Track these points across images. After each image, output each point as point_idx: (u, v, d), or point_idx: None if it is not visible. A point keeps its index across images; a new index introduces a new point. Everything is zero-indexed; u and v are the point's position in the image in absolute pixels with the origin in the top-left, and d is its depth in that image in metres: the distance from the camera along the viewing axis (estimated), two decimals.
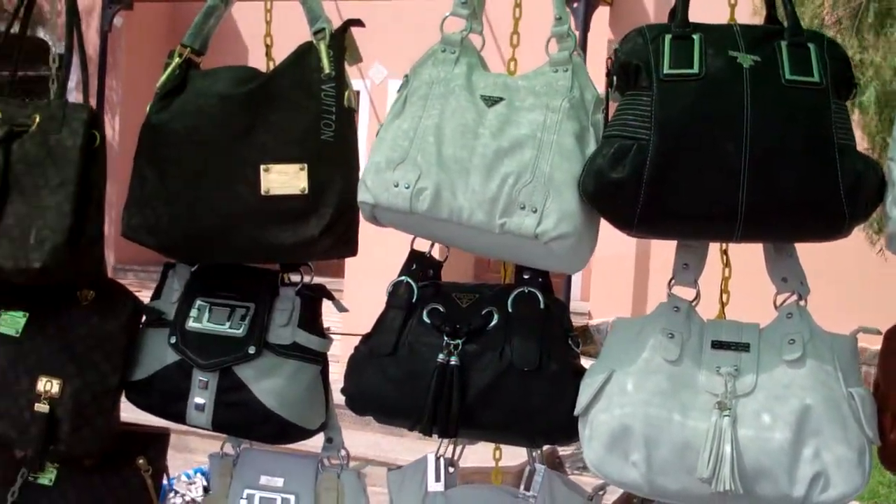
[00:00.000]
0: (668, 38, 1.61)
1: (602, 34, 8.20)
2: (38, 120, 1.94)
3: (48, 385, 1.96)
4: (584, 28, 7.71)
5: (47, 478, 2.12)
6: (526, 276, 1.80)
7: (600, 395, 1.69)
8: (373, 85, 10.06)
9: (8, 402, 1.99)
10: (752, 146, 1.54)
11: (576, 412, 1.72)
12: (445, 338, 1.76)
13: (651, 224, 1.61)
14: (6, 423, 2.00)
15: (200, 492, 4.56)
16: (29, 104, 2.00)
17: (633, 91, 1.61)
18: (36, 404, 1.96)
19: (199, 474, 4.75)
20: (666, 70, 1.59)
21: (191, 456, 5.04)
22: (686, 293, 1.74)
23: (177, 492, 4.41)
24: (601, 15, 8.41)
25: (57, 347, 1.99)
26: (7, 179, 1.92)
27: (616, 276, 8.47)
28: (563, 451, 6.45)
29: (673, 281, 1.76)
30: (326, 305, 2.03)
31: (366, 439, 6.08)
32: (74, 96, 1.97)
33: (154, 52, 11.78)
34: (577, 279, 8.58)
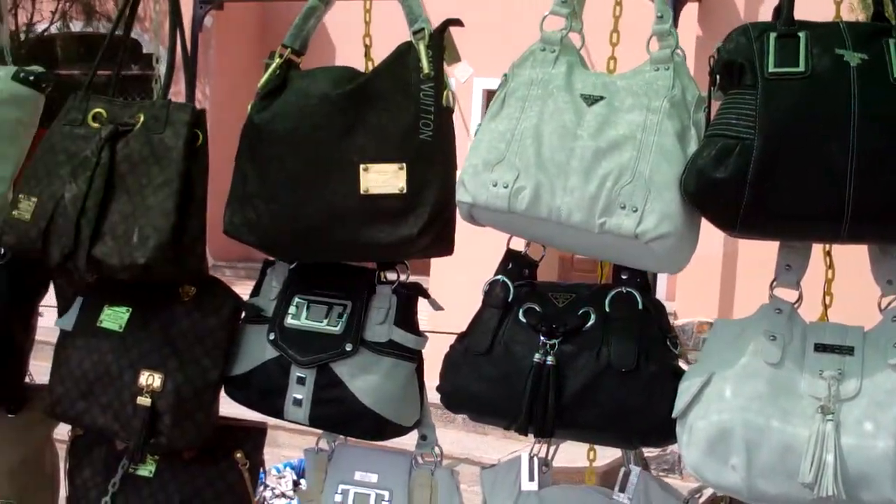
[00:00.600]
0: (772, 36, 1.59)
1: (690, 30, 8.11)
2: (142, 119, 1.99)
3: (150, 379, 2.00)
4: (673, 25, 7.61)
5: (147, 469, 2.16)
6: (624, 277, 1.78)
7: (699, 399, 1.67)
8: (458, 83, 10.06)
9: (111, 396, 2.04)
10: (859, 145, 1.51)
11: (673, 415, 1.70)
12: (542, 337, 1.76)
13: (754, 225, 1.58)
14: (109, 416, 2.04)
15: (290, 486, 4.62)
16: (133, 104, 2.04)
17: (737, 90, 1.59)
18: (138, 398, 1.99)
19: (288, 468, 4.81)
20: (771, 68, 1.56)
21: (279, 450, 5.11)
22: (788, 295, 1.72)
23: (267, 485, 4.46)
24: (689, 11, 8.31)
25: (159, 342, 2.03)
26: (112, 178, 1.97)
27: (703, 276, 8.34)
28: (649, 452, 6.40)
29: (775, 283, 1.73)
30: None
31: (449, 437, 6.11)
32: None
33: (244, 51, 11.96)
34: (662, 278, 8.48)
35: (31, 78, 2.19)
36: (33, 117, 2.22)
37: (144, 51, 8.35)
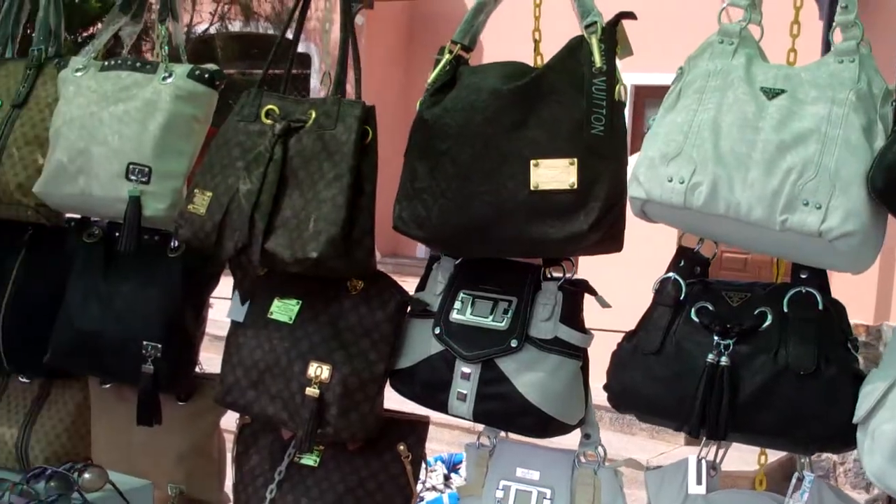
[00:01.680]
0: None
1: None
2: (314, 116, 2.03)
3: (318, 370, 2.04)
4: (830, 17, 7.36)
5: (311, 459, 2.20)
6: (804, 276, 1.72)
7: (883, 403, 1.60)
8: None
9: (280, 386, 2.08)
10: None
11: (854, 420, 1.63)
12: (715, 337, 1.72)
13: None
14: (278, 405, 2.09)
15: (441, 479, 4.65)
16: (305, 101, 2.08)
17: None
18: (307, 388, 2.03)
19: (439, 462, 4.85)
20: None
21: (428, 444, 5.15)
22: None
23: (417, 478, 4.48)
24: None
25: (327, 335, 2.06)
26: (285, 173, 2.02)
27: (857, 276, 8.03)
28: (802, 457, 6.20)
29: None
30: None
31: None
32: (319, 91, 2.04)
33: (393, 49, 12.15)
34: None
35: (206, 75, 2.26)
36: (207, 114, 2.29)
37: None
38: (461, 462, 4.99)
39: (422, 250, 12.83)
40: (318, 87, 11.33)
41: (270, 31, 12.26)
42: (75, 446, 2.64)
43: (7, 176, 2.38)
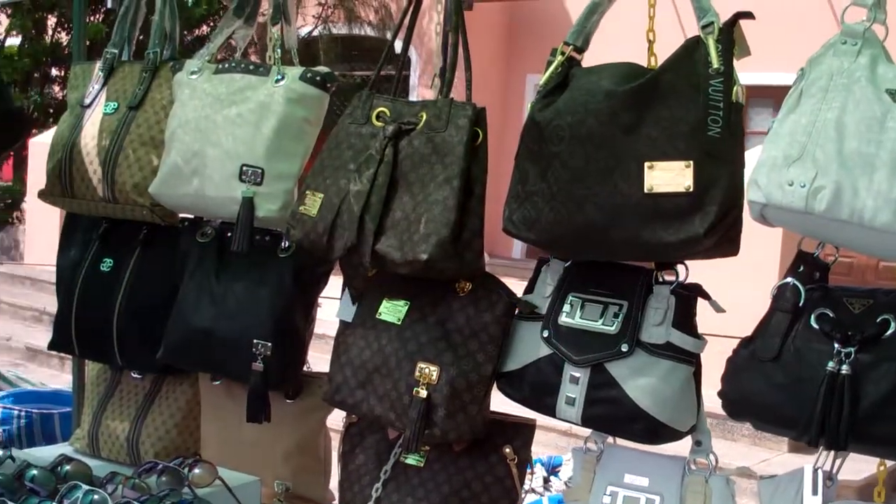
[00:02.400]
0: None
1: None
2: (424, 118, 2.03)
3: (426, 371, 2.04)
4: None
5: (417, 459, 2.21)
6: None
7: None
8: None
9: (388, 386, 2.09)
10: None
11: None
12: (836, 345, 1.68)
13: None
14: (386, 405, 2.10)
15: (540, 482, 4.64)
16: (415, 103, 2.09)
17: None
18: (415, 389, 2.04)
19: (538, 464, 4.84)
20: None
21: None
22: None
23: None
24: None
25: (435, 336, 2.07)
26: (395, 175, 2.03)
27: None
28: None
29: None
30: None
31: None
32: (418, 93, 2.04)
33: (492, 50, 12.16)
34: None
35: (318, 78, 2.28)
36: (319, 116, 2.31)
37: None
38: (560, 465, 4.97)
39: (517, 251, 12.80)
40: (417, 87, 11.42)
41: (372, 34, 12.41)
42: (185, 441, 2.70)
43: (123, 177, 2.45)
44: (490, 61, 11.38)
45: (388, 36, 11.35)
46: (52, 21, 14.31)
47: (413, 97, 11.17)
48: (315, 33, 12.55)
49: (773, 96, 9.76)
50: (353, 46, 12.81)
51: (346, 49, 12.70)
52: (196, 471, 2.18)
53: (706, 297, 1.95)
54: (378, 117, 2.11)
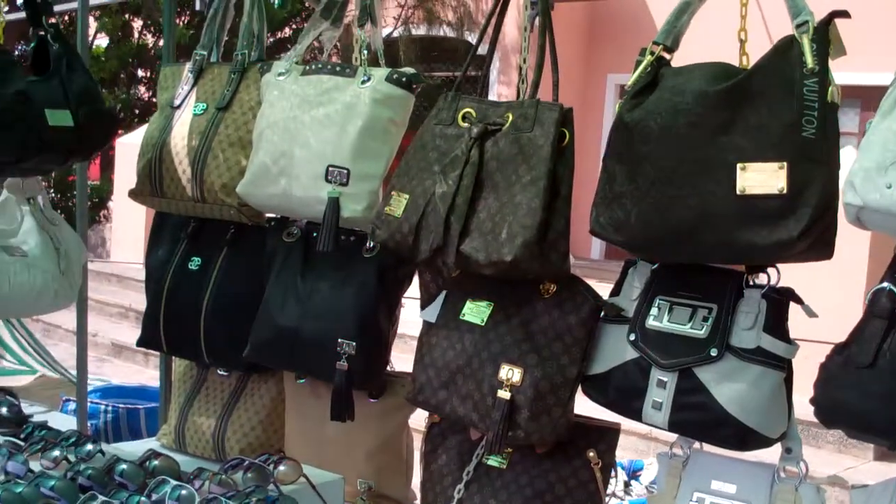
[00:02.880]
0: None
1: None
2: (511, 118, 2.03)
3: (510, 373, 2.03)
4: None
5: (499, 460, 2.20)
6: None
7: None
8: None
9: (471, 387, 2.09)
10: None
11: None
12: None
13: None
14: (469, 406, 2.10)
15: (621, 486, 4.61)
16: (502, 104, 2.08)
17: None
18: (498, 391, 2.03)
19: (619, 468, 4.79)
20: None
21: None
22: None
23: None
24: None
25: (519, 337, 2.06)
26: (481, 176, 2.02)
27: None
28: None
29: None
30: None
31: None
32: (496, 91, 2.03)
33: (573, 49, 12.10)
34: None
35: (404, 79, 2.29)
36: (404, 117, 2.32)
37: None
38: (641, 469, 4.92)
39: (596, 251, 12.72)
40: (496, 84, 11.41)
41: (450, 34, 12.44)
42: (269, 439, 2.73)
43: (212, 177, 2.48)
44: (570, 62, 11.32)
45: (467, 36, 11.36)
46: (138, 24, 14.62)
47: (492, 95, 11.17)
48: (395, 34, 12.64)
49: (860, 96, 9.55)
50: (432, 47, 12.86)
51: (425, 50, 12.75)
52: (281, 468, 2.20)
53: (799, 301, 1.91)
54: (464, 118, 2.11)
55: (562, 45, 2.10)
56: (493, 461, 2.22)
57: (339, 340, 2.34)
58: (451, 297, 2.21)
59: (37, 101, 2.54)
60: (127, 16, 14.30)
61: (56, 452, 2.25)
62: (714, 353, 1.88)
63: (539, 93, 2.06)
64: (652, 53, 1.92)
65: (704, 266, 1.97)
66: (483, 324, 2.12)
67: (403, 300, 2.50)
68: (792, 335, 1.91)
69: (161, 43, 14.15)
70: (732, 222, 1.75)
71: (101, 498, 1.94)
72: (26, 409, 2.86)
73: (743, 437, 1.89)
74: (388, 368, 2.54)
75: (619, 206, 1.89)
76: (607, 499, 2.19)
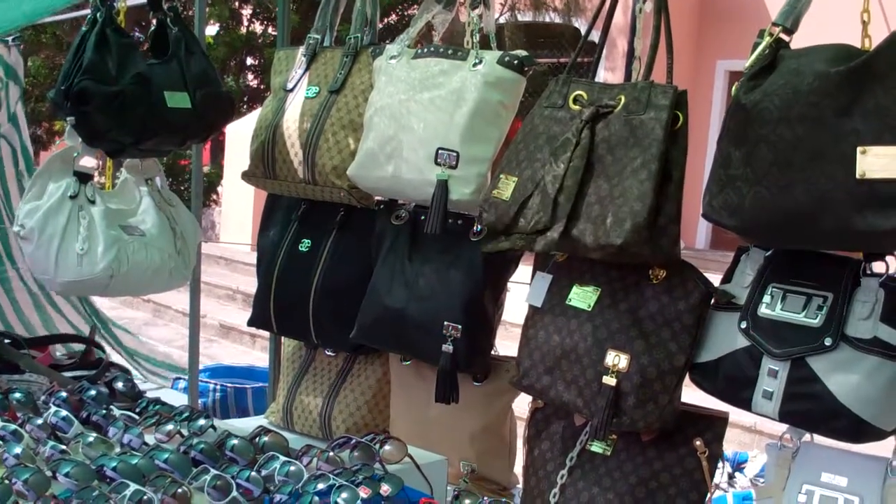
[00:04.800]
0: None
1: None
2: (622, 101, 2.00)
3: (616, 359, 2.02)
4: None
5: (602, 447, 2.19)
6: None
7: None
8: None
9: (576, 372, 2.08)
10: None
11: None
12: None
13: None
14: (573, 392, 2.09)
15: (725, 478, 4.54)
16: (614, 86, 2.06)
17: None
18: (604, 377, 2.02)
19: (724, 460, 4.71)
20: None
21: None
22: None
23: None
24: None
25: (626, 323, 2.04)
26: (591, 159, 2.00)
27: None
28: None
29: None
30: None
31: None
32: (601, 75, 1.99)
33: (682, 35, 11.90)
34: None
35: (516, 62, 2.28)
36: (514, 100, 2.32)
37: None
38: (746, 461, 4.83)
39: (702, 240, 12.52)
40: (601, 68, 11.31)
41: (557, 20, 12.36)
42: (374, 419, 2.77)
43: (323, 159, 2.52)
44: (680, 47, 11.13)
45: (574, 21, 11.25)
46: (247, 11, 14.88)
47: (598, 78, 11.01)
48: (501, 20, 12.63)
49: None
50: (538, 33, 12.80)
51: (531, 36, 12.70)
52: (387, 447, 2.23)
53: None
54: (575, 101, 2.09)
55: (672, 30, 2.07)
56: (596, 447, 2.20)
57: (445, 323, 2.36)
58: (557, 281, 2.20)
59: (156, 84, 2.62)
60: (237, 3, 14.57)
61: (170, 426, 2.32)
62: (829, 342, 1.83)
63: (651, 76, 2.03)
64: (771, 35, 1.87)
65: (820, 253, 1.92)
66: (590, 309, 2.10)
67: (509, 285, 2.50)
68: None
69: (270, 30, 14.42)
70: (851, 208, 1.70)
71: (213, 471, 1.99)
72: (140, 385, 2.96)
73: (857, 429, 1.84)
74: (493, 353, 2.54)
75: (734, 190, 1.85)
76: (713, 489, 2.16)
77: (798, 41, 1.89)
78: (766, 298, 1.94)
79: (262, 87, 14.66)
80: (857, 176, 1.68)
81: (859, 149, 1.68)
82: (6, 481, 1.96)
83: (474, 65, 2.29)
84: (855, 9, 1.94)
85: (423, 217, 2.41)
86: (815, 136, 1.73)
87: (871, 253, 1.86)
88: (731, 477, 4.62)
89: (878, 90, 1.68)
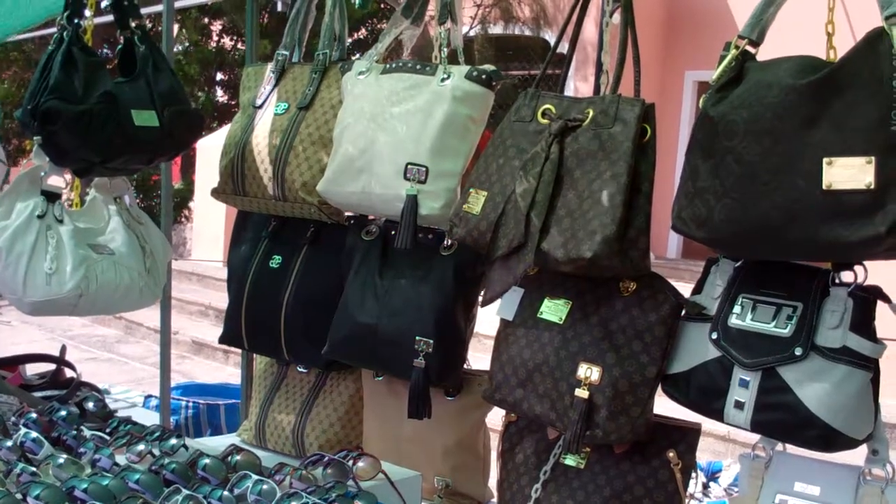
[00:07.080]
0: None
1: None
2: (591, 115, 2.01)
3: (588, 372, 2.02)
4: None
5: (576, 460, 2.18)
6: None
7: None
8: None
9: (549, 385, 2.08)
10: None
11: None
12: None
13: None
14: (546, 405, 2.08)
15: (699, 487, 4.54)
16: (582, 100, 2.07)
17: None
18: (576, 389, 2.01)
19: (698, 470, 4.69)
20: None
21: None
22: None
23: None
24: None
25: (598, 336, 2.04)
26: (561, 172, 2.01)
27: None
28: None
29: None
30: None
31: None
32: (574, 87, 2.00)
33: (650, 46, 11.98)
34: None
35: (484, 76, 2.29)
36: (483, 114, 2.32)
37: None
38: (720, 471, 4.85)
39: (673, 250, 12.57)
40: (573, 79, 11.36)
41: (527, 33, 12.40)
42: (347, 435, 2.76)
43: (293, 175, 2.51)
44: (648, 56, 11.24)
45: (544, 34, 11.29)
46: (216, 27, 14.85)
47: (568, 91, 11.07)
48: (471, 34, 12.67)
49: None
50: (507, 46, 12.84)
51: (501, 49, 12.74)
52: (360, 464, 2.22)
53: (886, 299, 1.86)
54: (544, 114, 2.10)
55: (639, 42, 2.08)
56: (570, 461, 2.20)
57: (417, 338, 2.36)
58: (528, 295, 2.20)
59: (123, 102, 2.61)
60: (206, 20, 14.54)
61: (141, 447, 2.30)
62: (799, 352, 1.84)
63: (619, 89, 2.04)
64: (737, 47, 1.89)
65: (789, 264, 1.94)
66: (561, 322, 2.10)
67: (480, 298, 2.50)
68: (878, 334, 1.86)
69: (240, 46, 14.39)
70: (818, 218, 1.71)
71: (185, 492, 1.97)
72: (111, 404, 2.93)
73: (828, 438, 1.85)
74: (465, 367, 2.54)
75: (702, 202, 1.86)
76: (687, 500, 2.16)
77: (764, 53, 1.91)
78: (737, 309, 1.95)
79: (232, 102, 14.62)
80: (824, 187, 1.69)
81: (825, 160, 1.69)
82: None
83: (442, 80, 2.29)
84: (820, 20, 1.96)
85: (393, 232, 2.40)
86: (781, 148, 1.74)
87: (840, 263, 1.88)
88: (705, 487, 4.63)
89: (843, 101, 1.69)
